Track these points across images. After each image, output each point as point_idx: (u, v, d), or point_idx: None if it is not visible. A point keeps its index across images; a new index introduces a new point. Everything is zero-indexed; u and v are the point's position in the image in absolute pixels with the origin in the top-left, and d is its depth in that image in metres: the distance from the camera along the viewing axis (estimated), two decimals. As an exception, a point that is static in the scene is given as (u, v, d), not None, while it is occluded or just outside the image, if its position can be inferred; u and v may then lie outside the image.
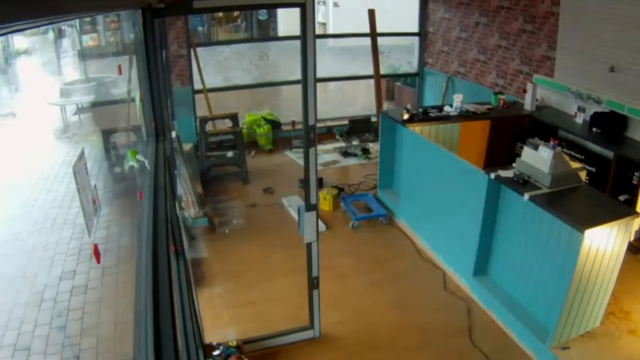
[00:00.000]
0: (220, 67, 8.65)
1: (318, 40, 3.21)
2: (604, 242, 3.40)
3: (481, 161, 6.03)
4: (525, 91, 6.14)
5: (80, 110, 2.94)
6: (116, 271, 2.04)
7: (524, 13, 6.36)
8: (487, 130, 6.08)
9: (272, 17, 12.04)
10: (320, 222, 3.92)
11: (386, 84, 9.44)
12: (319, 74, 3.34)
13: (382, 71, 8.25)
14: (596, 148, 5.21)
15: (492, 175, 4.03)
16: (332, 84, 9.20)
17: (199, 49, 7.25)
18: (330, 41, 11.61)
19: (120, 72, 3.05)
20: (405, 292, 4.56)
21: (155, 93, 2.90)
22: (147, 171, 2.48)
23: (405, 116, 5.54)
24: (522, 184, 3.84)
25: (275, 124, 8.26)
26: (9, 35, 1.55)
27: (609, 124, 5.14)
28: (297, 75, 3.26)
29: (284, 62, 8.97)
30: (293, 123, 8.25)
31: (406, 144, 5.59)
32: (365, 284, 4.68)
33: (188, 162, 6.13)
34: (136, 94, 2.95)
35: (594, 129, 5.23)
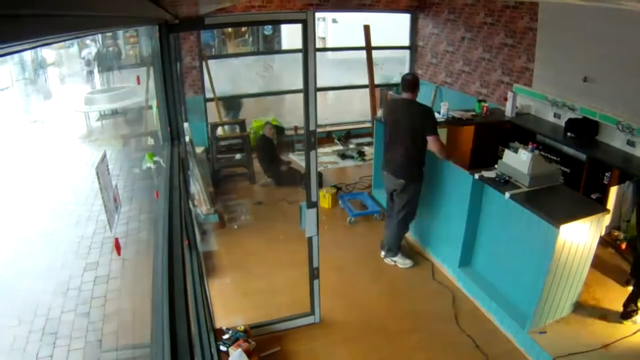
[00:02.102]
0: (229, 77, 8.64)
1: (318, 53, 3.21)
2: (577, 236, 3.40)
3: (466, 163, 6.03)
4: (506, 99, 6.13)
5: (102, 116, 2.93)
6: (135, 263, 2.04)
7: (506, 28, 6.36)
8: (471, 135, 6.08)
9: (277, 32, 12.01)
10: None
11: (380, 92, 9.41)
12: (319, 84, 3.34)
13: (377, 81, 8.25)
14: (570, 151, 5.21)
15: (476, 176, 4.02)
16: (330, 93, 9.19)
17: (210, 61, 7.24)
18: (329, 54, 11.60)
19: (138, 82, 3.05)
20: (397, 282, 4.56)
21: (170, 101, 2.90)
22: (163, 172, 2.48)
23: (397, 122, 5.53)
24: (503, 183, 3.84)
25: (279, 129, 8.25)
26: (38, 49, 1.55)
27: (582, 129, 5.14)
28: (299, 84, 3.26)
29: (287, 73, 8.96)
30: (295, 128, 8.25)
31: (398, 147, 5.58)
32: (361, 275, 4.68)
33: (200, 163, 6.13)
34: (153, 102, 2.95)
35: (569, 134, 5.23)
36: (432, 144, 4.28)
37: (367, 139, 8.20)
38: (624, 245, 4.62)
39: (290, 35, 11.47)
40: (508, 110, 6.01)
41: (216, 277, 4.63)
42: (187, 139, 4.92)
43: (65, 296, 1.68)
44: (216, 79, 7.30)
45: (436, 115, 5.89)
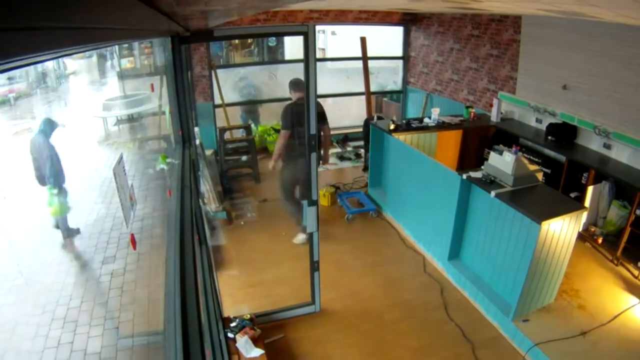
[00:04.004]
0: (236, 85, 8.62)
1: (318, 63, 3.21)
2: (557, 231, 3.40)
3: (454, 164, 6.03)
4: (491, 105, 6.13)
5: (119, 121, 2.93)
6: (149, 257, 2.04)
7: (491, 40, 6.36)
8: (459, 138, 6.08)
9: (280, 44, 12.01)
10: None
11: (375, 99, 9.41)
12: (319, 91, 3.34)
13: (372, 89, 8.25)
14: (551, 153, 5.21)
15: (464, 176, 4.02)
16: (330, 99, 9.17)
17: (218, 70, 7.23)
18: (329, 63, 11.57)
19: (152, 90, 3.05)
20: (391, 274, 4.56)
21: (182, 107, 2.90)
22: (175, 172, 2.48)
23: (392, 127, 5.54)
24: (489, 183, 3.84)
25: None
26: (60, 59, 1.55)
27: (562, 133, 5.14)
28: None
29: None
30: (297, 132, 8.23)
31: (392, 149, 5.59)
32: (358, 267, 4.68)
33: (209, 164, 6.12)
34: (166, 108, 2.95)
35: (549, 137, 5.22)
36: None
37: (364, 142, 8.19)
38: (600, 240, 4.62)
39: (293, 46, 11.47)
40: (493, 116, 6.01)
41: (224, 269, 4.63)
42: (197, 142, 4.91)
43: (85, 287, 1.68)
44: (224, 87, 7.28)
45: (427, 120, 5.91)
